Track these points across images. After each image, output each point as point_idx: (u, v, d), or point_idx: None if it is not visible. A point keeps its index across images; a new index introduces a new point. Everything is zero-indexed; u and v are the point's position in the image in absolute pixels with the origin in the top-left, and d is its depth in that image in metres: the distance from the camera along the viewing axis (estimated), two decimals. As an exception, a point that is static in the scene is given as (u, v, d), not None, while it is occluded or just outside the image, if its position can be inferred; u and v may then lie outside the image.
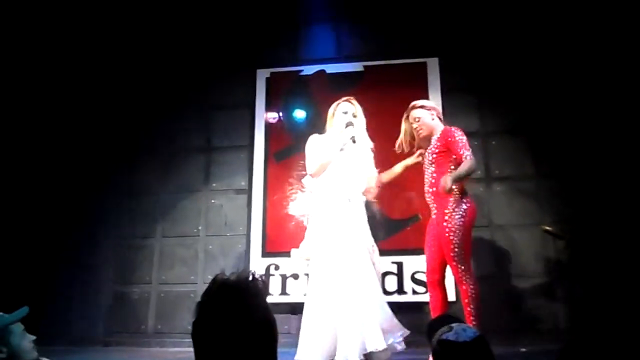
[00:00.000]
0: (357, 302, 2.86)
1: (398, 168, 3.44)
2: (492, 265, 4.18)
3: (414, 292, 4.10)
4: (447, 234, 3.05)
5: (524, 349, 3.67)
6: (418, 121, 3.28)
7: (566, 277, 4.06)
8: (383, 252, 4.10)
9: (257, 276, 1.06)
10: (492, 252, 4.20)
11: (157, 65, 4.96)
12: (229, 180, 4.69)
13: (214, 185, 4.70)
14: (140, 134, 4.88)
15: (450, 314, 2.52)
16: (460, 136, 3.14)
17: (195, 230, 4.61)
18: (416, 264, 4.06)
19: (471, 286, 3.04)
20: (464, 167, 3.03)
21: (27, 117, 4.64)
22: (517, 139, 4.41)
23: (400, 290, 4.12)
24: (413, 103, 3.34)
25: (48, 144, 4.82)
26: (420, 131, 3.28)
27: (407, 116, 3.32)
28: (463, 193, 3.13)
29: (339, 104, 3.29)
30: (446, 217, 3.06)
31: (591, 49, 4.33)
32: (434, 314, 3.11)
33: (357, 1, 4.78)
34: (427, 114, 3.28)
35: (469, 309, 3.02)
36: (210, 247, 4.55)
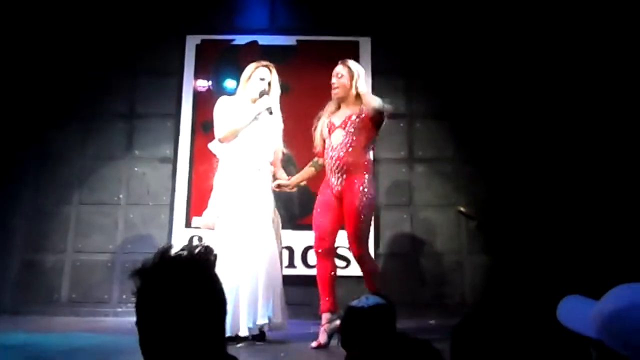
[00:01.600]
0: (253, 275, 2.91)
1: (305, 174, 3.33)
2: (408, 243, 4.39)
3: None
4: (359, 208, 2.95)
5: (432, 322, 3.91)
6: (340, 77, 3.14)
7: (475, 256, 4.34)
8: (307, 227, 4.23)
9: (209, 249, 1.04)
10: (409, 230, 4.41)
11: (83, 25, 4.63)
12: (153, 148, 4.54)
13: (136, 153, 4.54)
14: (60, 96, 4.57)
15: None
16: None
17: (116, 199, 4.45)
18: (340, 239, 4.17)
19: (373, 263, 3.13)
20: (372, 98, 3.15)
21: None
22: (441, 123, 4.59)
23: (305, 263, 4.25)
24: (343, 60, 3.22)
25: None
26: (336, 90, 3.14)
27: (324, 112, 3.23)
28: (372, 170, 3.20)
29: (257, 67, 3.23)
30: (361, 190, 2.97)
31: (515, 39, 4.52)
32: (321, 286, 3.04)
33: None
34: (351, 75, 3.14)
35: (375, 286, 2.92)
36: (131, 216, 4.42)
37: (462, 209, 4.37)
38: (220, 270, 2.69)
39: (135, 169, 4.51)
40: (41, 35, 4.62)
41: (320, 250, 3.09)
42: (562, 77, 4.42)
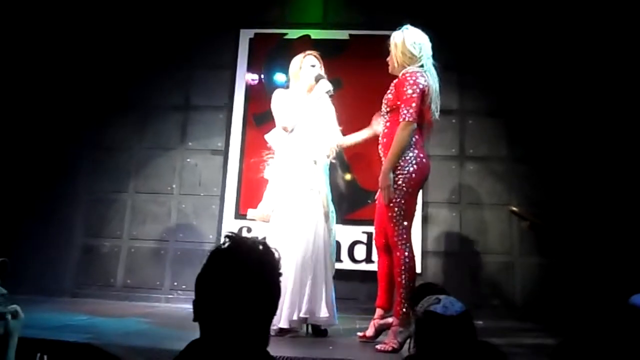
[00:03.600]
0: (306, 269, 2.92)
1: (365, 134, 3.16)
2: (458, 242, 4.31)
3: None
4: (391, 190, 2.69)
5: (480, 322, 3.83)
6: (390, 49, 2.90)
7: (526, 257, 4.22)
8: (355, 222, 4.24)
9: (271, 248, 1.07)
10: (459, 229, 4.33)
11: (140, 20, 4.79)
12: (206, 140, 4.64)
13: (190, 144, 4.66)
14: (119, 88, 4.75)
15: (434, 283, 2.53)
16: (408, 87, 2.70)
17: (169, 188, 4.59)
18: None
19: (406, 253, 2.69)
20: (392, 149, 2.70)
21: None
22: (494, 120, 4.48)
23: (369, 259, 4.22)
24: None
25: (22, 94, 4.67)
26: (388, 63, 2.93)
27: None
28: (416, 147, 2.75)
29: (305, 56, 3.22)
30: (394, 172, 2.71)
31: (572, 42, 4.37)
32: (380, 283, 2.91)
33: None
34: (400, 46, 2.85)
35: (399, 278, 2.68)
36: (183, 206, 4.55)
37: (514, 208, 4.25)
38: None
39: (188, 160, 4.63)
40: (103, 29, 4.80)
41: (378, 245, 2.97)
42: (619, 76, 4.23)
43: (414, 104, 2.69)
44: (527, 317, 3.99)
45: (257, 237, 1.09)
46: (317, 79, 3.15)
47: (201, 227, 4.49)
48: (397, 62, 2.87)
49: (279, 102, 3.17)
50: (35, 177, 4.61)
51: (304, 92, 3.20)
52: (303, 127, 3.12)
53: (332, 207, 3.18)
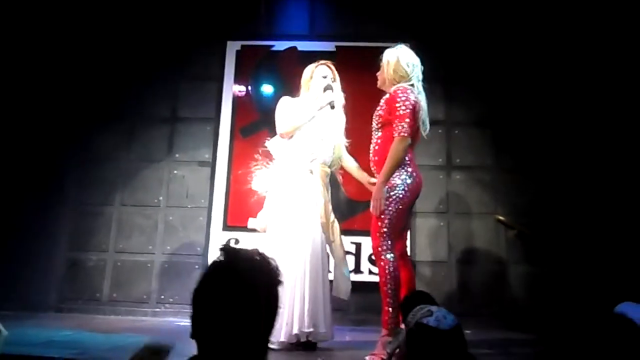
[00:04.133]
0: (301, 281, 2.88)
1: (360, 175, 3.21)
2: (446, 251, 4.33)
3: (370, 272, 4.19)
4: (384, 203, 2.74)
5: (468, 332, 3.83)
6: (381, 64, 2.97)
7: (514, 266, 4.25)
8: (343, 233, 4.23)
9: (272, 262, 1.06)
10: (446, 238, 4.35)
11: (127, 31, 4.78)
12: (193, 152, 4.63)
13: (177, 156, 4.64)
14: (106, 99, 4.73)
15: (424, 292, 2.52)
16: (401, 103, 2.76)
17: (156, 201, 4.56)
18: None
19: (390, 262, 2.73)
20: (388, 163, 2.74)
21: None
22: (480, 131, 4.53)
23: (358, 269, 4.22)
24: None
25: (8, 104, 4.61)
26: (378, 77, 3.00)
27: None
28: (408, 164, 2.81)
29: (317, 66, 3.19)
30: (387, 188, 2.75)
31: (556, 51, 4.45)
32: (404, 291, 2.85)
33: (334, -19, 4.75)
34: (393, 64, 2.92)
35: (385, 288, 2.71)
36: (171, 218, 4.52)
37: (500, 217, 4.29)
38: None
39: (175, 171, 4.61)
40: (91, 39, 4.78)
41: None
42: (606, 86, 4.31)
43: (407, 119, 2.75)
44: (516, 327, 4.00)
45: (253, 249, 1.07)
46: (325, 89, 3.11)
47: (189, 240, 4.45)
48: (388, 78, 2.93)
49: (282, 108, 3.14)
50: (20, 188, 4.54)
51: (311, 101, 3.16)
52: (304, 135, 3.09)
53: (332, 217, 3.13)
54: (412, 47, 4.43)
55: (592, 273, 4.00)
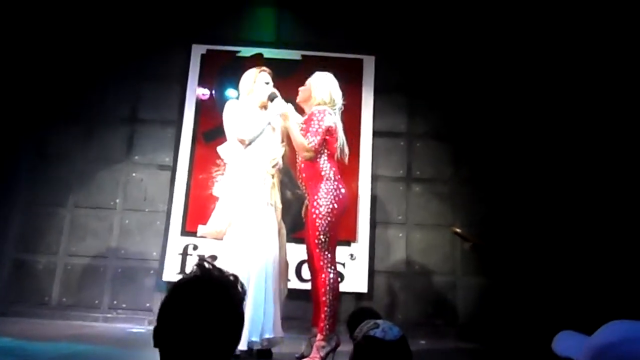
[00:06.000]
0: (261, 288, 2.86)
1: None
2: (404, 262, 4.39)
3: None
4: (314, 219, 2.92)
5: (422, 342, 3.91)
6: (306, 85, 3.18)
7: (468, 277, 4.35)
8: (302, 240, 4.23)
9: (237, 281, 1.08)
10: (404, 249, 4.41)
11: (90, 27, 4.66)
12: (153, 155, 4.54)
13: (136, 158, 4.54)
14: (62, 97, 4.58)
15: (369, 307, 2.65)
16: (316, 122, 2.99)
17: (112, 203, 4.44)
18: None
19: (331, 275, 2.91)
20: (299, 136, 2.98)
21: None
22: (441, 143, 4.63)
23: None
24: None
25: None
26: (298, 95, 3.18)
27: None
28: (335, 179, 2.99)
29: (260, 72, 3.24)
30: (315, 203, 2.94)
31: (517, 63, 4.59)
32: (314, 301, 3.05)
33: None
34: (318, 85, 3.13)
35: (324, 298, 2.88)
36: (127, 221, 4.41)
37: (457, 230, 4.39)
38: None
39: (134, 174, 4.51)
40: (47, 37, 4.63)
41: (310, 269, 3.15)
42: (563, 102, 4.48)
43: (319, 137, 2.97)
44: (468, 337, 4.10)
45: (226, 271, 1.08)
46: (271, 97, 3.15)
47: (145, 244, 4.36)
48: (313, 97, 3.12)
49: (234, 113, 3.13)
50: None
51: (256, 107, 3.20)
52: (258, 141, 3.10)
53: (282, 224, 3.15)
54: (376, 60, 4.64)
55: (543, 285, 4.13)
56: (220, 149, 3.26)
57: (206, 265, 1.06)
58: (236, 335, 1.05)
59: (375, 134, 4.55)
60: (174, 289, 1.04)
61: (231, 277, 1.06)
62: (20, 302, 4.20)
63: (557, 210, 4.32)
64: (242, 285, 1.08)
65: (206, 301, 1.01)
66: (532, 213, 4.36)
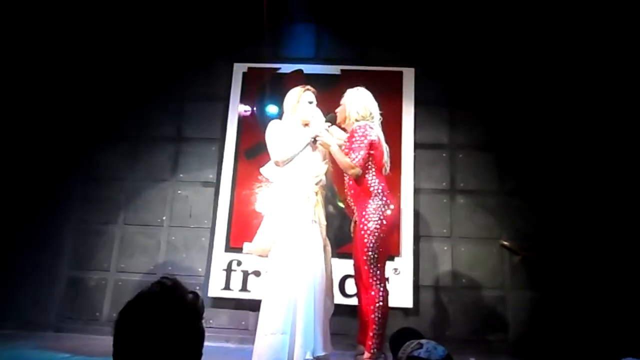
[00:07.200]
0: (310, 305, 2.82)
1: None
2: (450, 276, 4.28)
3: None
4: (363, 236, 2.93)
5: (472, 359, 3.78)
6: (341, 105, 3.20)
7: (518, 291, 4.20)
8: (346, 255, 4.19)
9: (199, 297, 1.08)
10: (450, 262, 4.31)
11: (133, 50, 4.87)
12: (197, 172, 4.64)
13: (181, 176, 4.65)
14: (111, 118, 4.78)
15: (410, 327, 2.59)
16: (357, 138, 3.00)
17: (159, 220, 4.55)
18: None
19: (380, 292, 2.91)
20: (342, 156, 2.97)
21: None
22: (484, 154, 4.53)
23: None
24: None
25: (14, 122, 4.67)
26: (338, 115, 3.18)
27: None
28: (383, 194, 3.00)
29: (303, 91, 3.21)
30: (363, 219, 2.95)
31: (559, 75, 4.49)
32: (360, 319, 3.05)
33: (340, 6, 4.81)
34: (351, 102, 3.14)
35: (372, 316, 2.89)
36: (173, 238, 4.51)
37: (505, 242, 4.26)
38: (276, 298, 2.41)
39: (179, 191, 4.61)
40: (99, 57, 4.85)
41: (358, 285, 3.13)
42: (613, 107, 4.33)
43: (362, 152, 2.97)
44: (520, 353, 3.94)
45: (186, 288, 1.09)
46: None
47: (191, 260, 4.43)
48: (349, 117, 3.14)
49: (274, 134, 3.12)
50: (23, 205, 4.56)
51: (298, 125, 3.19)
52: (301, 159, 3.08)
53: (327, 241, 3.11)
54: (416, 72, 4.61)
55: (597, 299, 3.94)
56: (263, 170, 3.28)
57: (167, 282, 1.06)
58: (196, 350, 1.03)
59: (417, 146, 4.50)
60: (134, 300, 1.03)
61: (190, 295, 1.06)
62: (73, 319, 4.34)
63: (607, 221, 4.14)
64: (202, 302, 1.07)
65: (163, 315, 1.00)
66: (582, 224, 4.19)
